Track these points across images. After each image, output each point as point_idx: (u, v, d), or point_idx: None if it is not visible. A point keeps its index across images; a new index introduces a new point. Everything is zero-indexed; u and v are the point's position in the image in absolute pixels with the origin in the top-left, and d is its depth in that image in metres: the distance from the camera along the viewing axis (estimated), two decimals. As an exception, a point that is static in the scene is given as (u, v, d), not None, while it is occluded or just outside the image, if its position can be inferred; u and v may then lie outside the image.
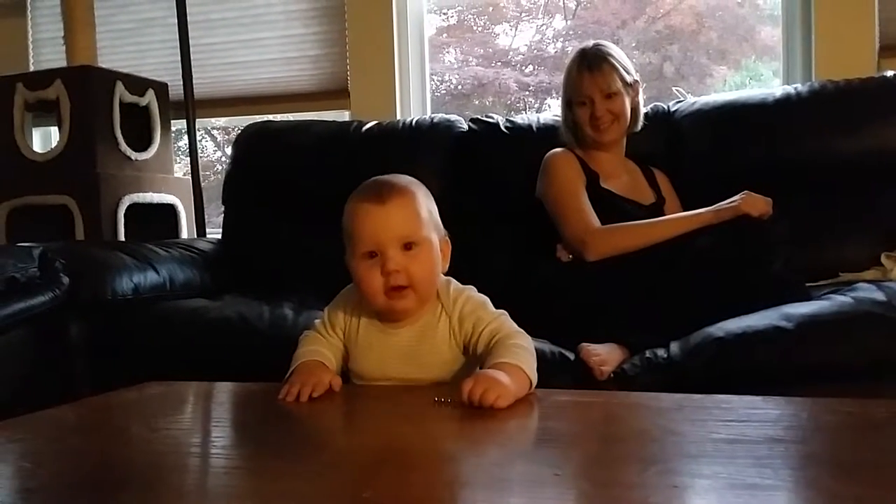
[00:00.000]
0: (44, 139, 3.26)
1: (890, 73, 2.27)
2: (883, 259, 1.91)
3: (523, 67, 3.73)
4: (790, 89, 2.16)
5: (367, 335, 1.17)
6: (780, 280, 1.66)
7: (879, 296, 1.49)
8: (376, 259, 1.09)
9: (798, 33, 2.57)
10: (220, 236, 2.55)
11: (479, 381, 0.95)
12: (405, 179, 1.15)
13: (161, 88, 2.84)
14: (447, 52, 3.73)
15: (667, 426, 0.89)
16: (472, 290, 1.17)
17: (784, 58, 2.65)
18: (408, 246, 1.09)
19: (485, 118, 2.40)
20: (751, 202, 1.71)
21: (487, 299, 1.16)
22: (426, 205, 1.14)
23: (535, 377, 1.04)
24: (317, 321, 1.24)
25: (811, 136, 2.08)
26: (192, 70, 2.77)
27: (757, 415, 0.91)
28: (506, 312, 1.14)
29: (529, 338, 1.11)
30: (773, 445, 0.78)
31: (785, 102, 2.12)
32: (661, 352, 1.51)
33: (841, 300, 1.51)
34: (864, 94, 2.09)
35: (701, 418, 0.92)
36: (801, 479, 0.70)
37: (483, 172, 2.30)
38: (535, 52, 3.72)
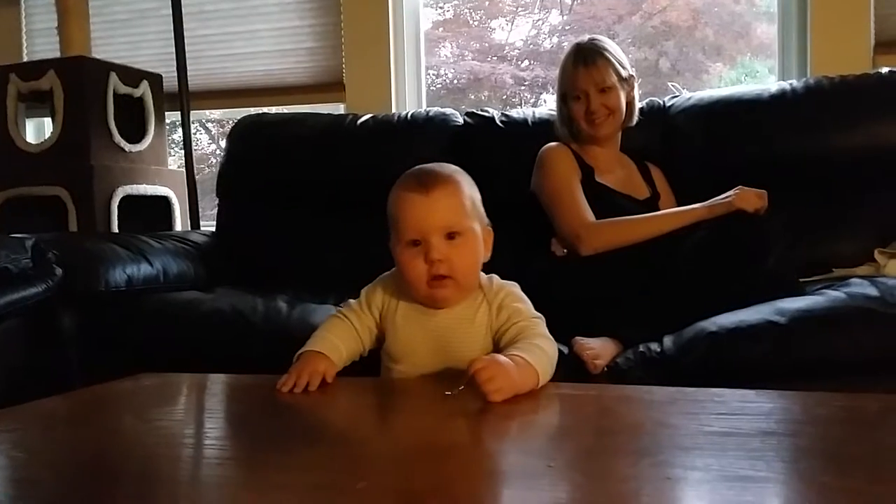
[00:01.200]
0: (37, 130, 3.25)
1: (885, 70, 2.28)
2: (876, 255, 1.91)
3: (519, 62, 3.72)
4: (785, 85, 2.17)
5: (406, 316, 1.17)
6: (773, 275, 1.66)
7: (872, 291, 1.49)
8: (420, 247, 1.11)
9: (794, 30, 2.57)
10: (213, 229, 2.54)
11: (490, 365, 0.95)
12: (450, 168, 1.16)
13: (155, 80, 2.82)
14: (443, 46, 3.72)
15: (660, 419, 0.90)
16: (515, 286, 1.19)
17: (779, 54, 2.65)
18: (451, 235, 1.11)
19: (480, 112, 2.40)
20: (745, 197, 1.71)
21: (528, 300, 1.17)
22: (470, 194, 1.15)
23: (543, 381, 1.04)
24: (351, 301, 1.24)
25: (806, 132, 2.08)
26: (187, 62, 2.76)
27: (749, 408, 0.92)
28: (542, 318, 1.15)
29: (555, 346, 1.11)
30: (765, 438, 0.79)
31: (780, 98, 2.13)
32: (654, 346, 1.52)
33: (834, 295, 1.52)
34: (860, 91, 2.09)
35: (694, 411, 0.92)
36: (793, 471, 0.70)
37: (478, 166, 2.28)
38: (531, 46, 3.72)
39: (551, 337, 1.13)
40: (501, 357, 0.99)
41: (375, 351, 1.23)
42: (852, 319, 1.42)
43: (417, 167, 1.17)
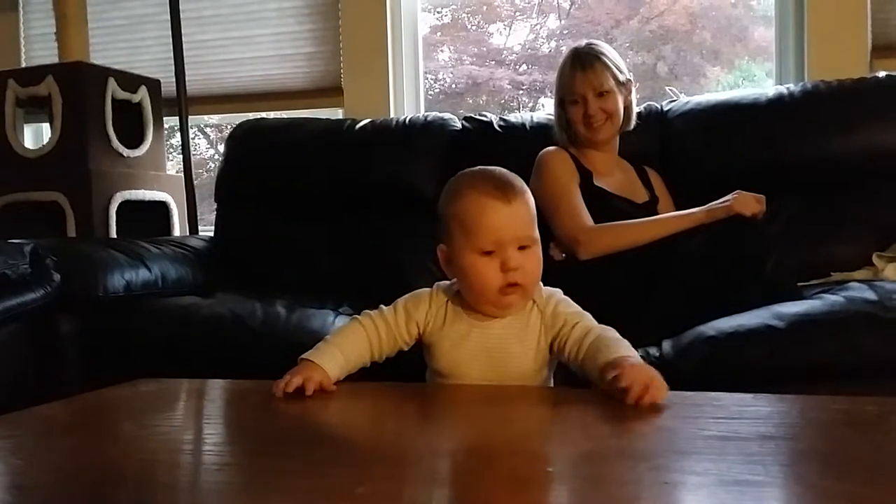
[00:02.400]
0: (35, 135, 3.25)
1: (882, 74, 2.28)
2: (874, 259, 1.92)
3: (517, 66, 3.73)
4: (783, 89, 2.17)
5: (457, 330, 1.15)
6: (772, 279, 1.67)
7: (871, 295, 1.50)
8: (493, 255, 1.09)
9: (791, 34, 2.58)
10: (212, 234, 2.54)
11: (636, 379, 0.93)
12: (516, 176, 1.15)
13: (154, 85, 2.82)
14: (441, 51, 3.73)
15: (658, 423, 0.90)
16: (559, 291, 1.18)
17: (777, 58, 2.66)
18: (522, 246, 1.10)
19: (478, 117, 2.41)
20: (743, 201, 1.71)
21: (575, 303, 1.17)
22: (534, 203, 1.15)
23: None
24: (383, 307, 1.20)
25: (804, 136, 2.08)
26: (185, 67, 2.77)
27: (748, 412, 0.92)
28: (591, 316, 1.15)
29: None
30: (763, 442, 0.79)
31: (778, 102, 2.13)
32: (653, 350, 1.52)
33: (832, 299, 1.52)
34: (857, 95, 2.10)
35: (692, 415, 0.92)
36: (790, 475, 0.70)
37: (476, 171, 2.30)
38: (529, 51, 3.72)
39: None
40: (634, 366, 0.97)
41: (418, 362, 1.21)
42: (850, 323, 1.42)
43: (481, 169, 1.15)
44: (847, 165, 2.06)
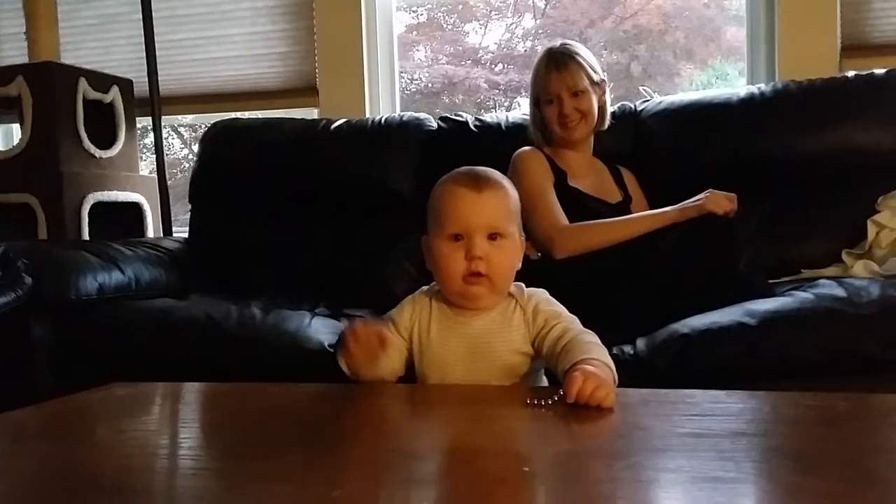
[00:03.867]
0: (5, 137, 3.20)
1: (851, 74, 2.32)
2: (844, 256, 1.95)
3: (493, 66, 3.74)
4: (754, 89, 2.20)
5: (441, 328, 1.15)
6: (743, 277, 1.69)
7: (840, 292, 1.52)
8: (461, 242, 1.11)
9: (762, 34, 2.61)
10: (186, 235, 2.52)
11: (589, 378, 0.93)
12: (498, 173, 1.18)
13: (126, 85, 2.80)
14: (417, 50, 3.73)
15: (633, 421, 0.90)
16: (545, 292, 1.19)
17: (749, 58, 2.69)
18: (493, 236, 1.11)
19: (454, 117, 2.41)
20: (715, 200, 1.73)
21: (559, 304, 1.17)
22: (515, 201, 1.16)
23: (616, 376, 1.02)
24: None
25: (775, 135, 2.11)
26: (158, 66, 2.74)
27: (720, 409, 0.93)
28: (576, 318, 1.15)
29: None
30: (735, 439, 0.80)
31: (749, 102, 2.16)
32: (627, 348, 1.53)
33: (803, 296, 1.54)
34: (827, 95, 2.13)
35: (666, 413, 0.93)
36: (763, 471, 0.71)
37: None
38: (505, 50, 3.74)
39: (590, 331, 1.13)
40: (588, 367, 0.97)
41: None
42: (820, 320, 1.45)
43: (467, 167, 1.17)
44: (817, 164, 2.09)
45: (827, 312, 1.46)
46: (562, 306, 1.17)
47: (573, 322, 1.13)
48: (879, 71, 2.16)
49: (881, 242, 1.90)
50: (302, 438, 0.97)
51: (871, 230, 1.92)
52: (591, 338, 1.09)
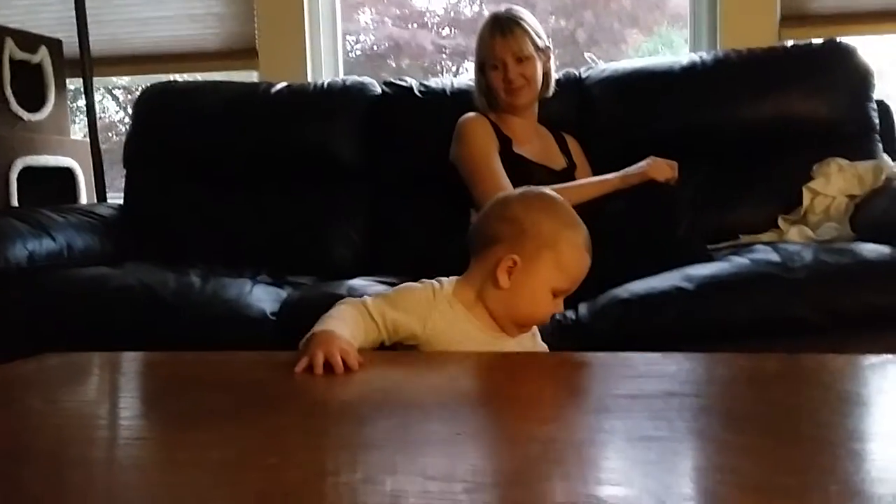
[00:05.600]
0: (-74, 98, 3.03)
1: (790, 44, 2.36)
2: (780, 222, 2.00)
3: (440, 29, 3.69)
4: (696, 58, 2.22)
5: (474, 344, 1.10)
6: (683, 243, 1.72)
7: (774, 257, 1.57)
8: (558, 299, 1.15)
9: (705, 2, 2.63)
10: (121, 201, 2.45)
11: None
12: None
13: (55, 45, 2.68)
14: (362, 12, 3.65)
15: (569, 384, 0.92)
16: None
17: (691, 26, 2.72)
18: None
19: (398, 81, 2.37)
20: (657, 167, 1.75)
21: None
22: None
23: None
24: (378, 299, 1.11)
25: (715, 103, 2.14)
26: (89, 25, 2.63)
27: (655, 371, 0.95)
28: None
29: None
30: (668, 399, 0.81)
31: (691, 70, 2.18)
32: (569, 313, 1.55)
33: (739, 262, 1.58)
34: (766, 64, 2.17)
35: (603, 376, 0.95)
36: (693, 430, 0.73)
37: (397, 137, 2.28)
38: (452, 14, 3.69)
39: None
40: None
41: None
42: (754, 285, 1.49)
43: (578, 219, 1.22)
44: (755, 132, 2.13)
45: (761, 277, 1.50)
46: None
47: None
48: (817, 41, 2.21)
49: (815, 209, 1.96)
50: (239, 406, 0.95)
51: (807, 196, 1.97)
52: None
